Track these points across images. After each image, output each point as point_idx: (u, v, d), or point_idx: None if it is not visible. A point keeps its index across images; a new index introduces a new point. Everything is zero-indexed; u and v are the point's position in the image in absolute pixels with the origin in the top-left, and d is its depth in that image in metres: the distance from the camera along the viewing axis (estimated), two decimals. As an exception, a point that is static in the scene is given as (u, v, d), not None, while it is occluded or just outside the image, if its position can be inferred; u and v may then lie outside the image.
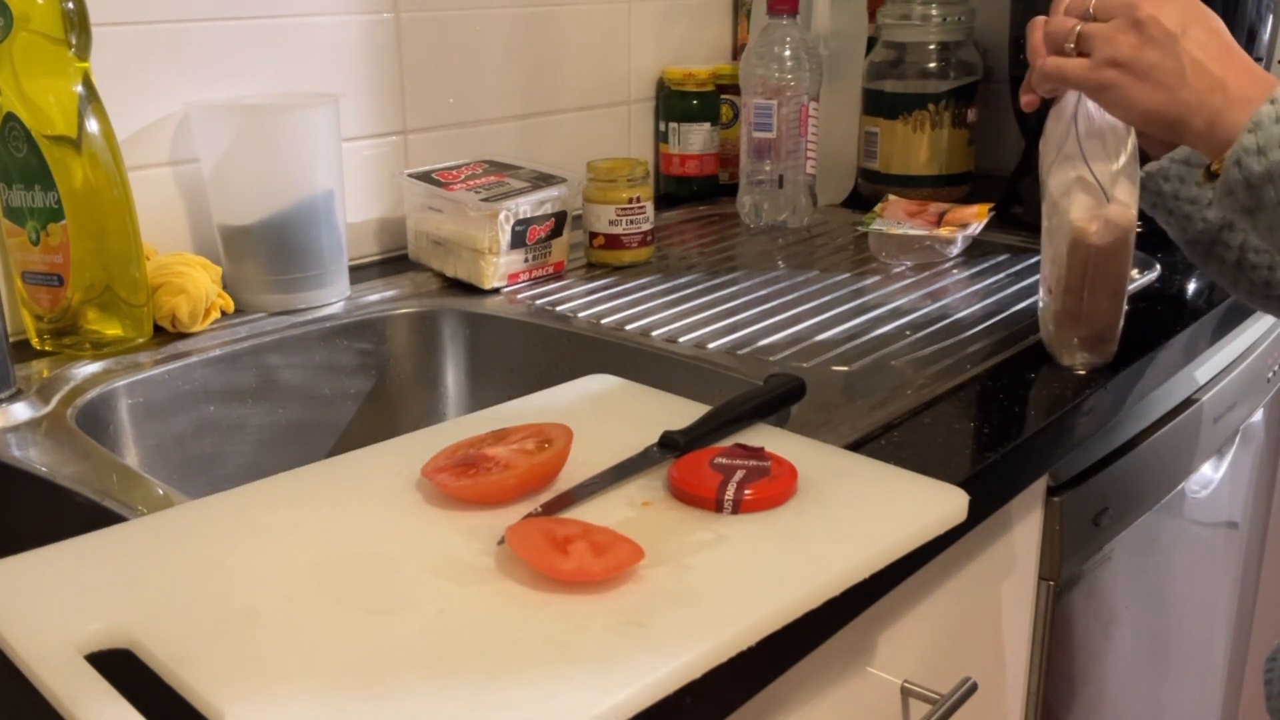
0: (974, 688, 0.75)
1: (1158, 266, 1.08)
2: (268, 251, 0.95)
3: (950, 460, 0.70)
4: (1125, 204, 0.77)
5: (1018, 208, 1.26)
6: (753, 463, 0.61)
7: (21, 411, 0.76)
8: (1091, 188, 0.76)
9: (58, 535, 0.56)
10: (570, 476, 0.62)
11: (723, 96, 1.39)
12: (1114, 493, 0.93)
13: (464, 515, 0.58)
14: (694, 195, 1.39)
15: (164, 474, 0.85)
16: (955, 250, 1.12)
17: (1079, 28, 0.72)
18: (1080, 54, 0.72)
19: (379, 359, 0.99)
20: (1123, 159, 0.77)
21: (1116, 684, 1.09)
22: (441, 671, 0.45)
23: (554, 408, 0.73)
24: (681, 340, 0.89)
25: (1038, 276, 1.05)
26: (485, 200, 1.00)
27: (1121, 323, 0.83)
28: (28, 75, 0.81)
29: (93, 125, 0.83)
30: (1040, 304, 0.85)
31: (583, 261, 1.12)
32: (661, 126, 1.39)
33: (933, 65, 1.31)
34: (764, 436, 0.68)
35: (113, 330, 0.87)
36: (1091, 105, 0.77)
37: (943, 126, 1.32)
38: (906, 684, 0.74)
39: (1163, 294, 1.03)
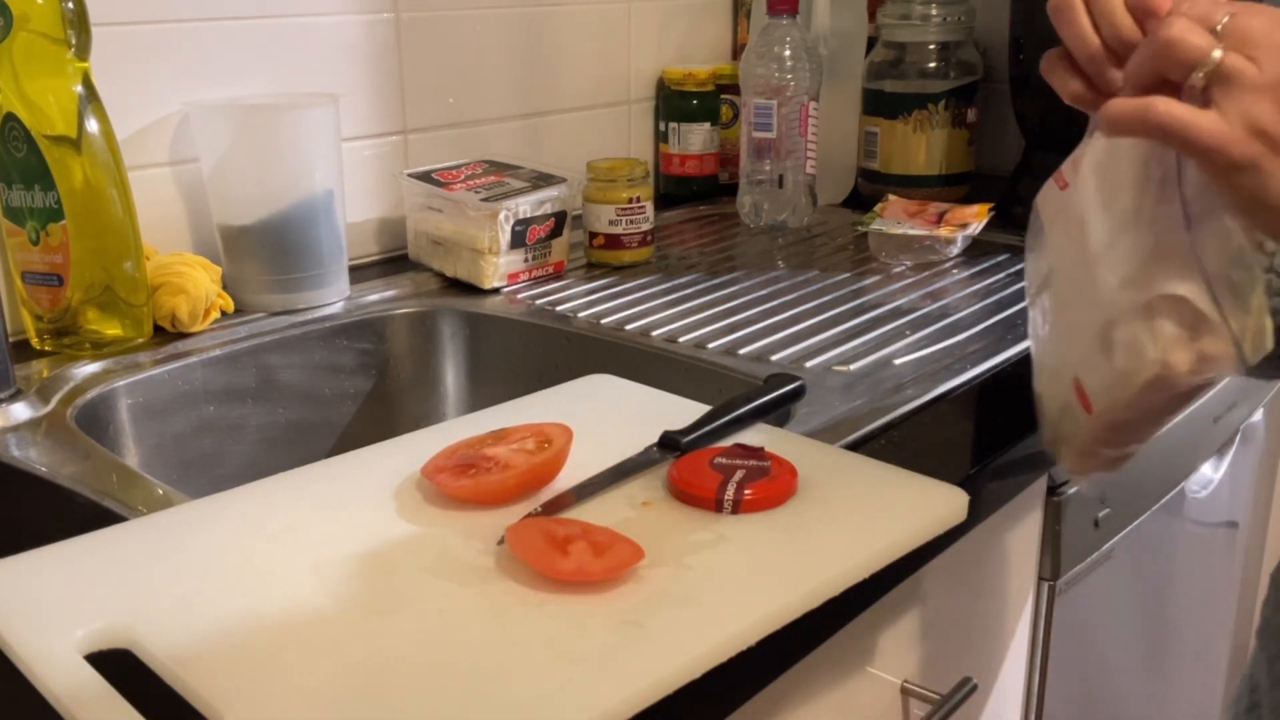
0: (974, 688, 0.75)
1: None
2: (267, 251, 0.95)
3: (950, 460, 0.70)
4: (1233, 330, 0.51)
5: (1018, 208, 1.26)
6: (752, 463, 0.61)
7: (21, 411, 0.76)
8: (1188, 309, 0.52)
9: (58, 535, 0.56)
10: (570, 476, 0.62)
11: (723, 96, 1.39)
12: (1114, 493, 0.93)
13: (464, 515, 0.58)
14: (694, 195, 1.39)
15: (164, 474, 0.85)
16: (955, 250, 1.12)
17: (1216, 54, 0.48)
18: (1205, 96, 0.48)
19: (379, 359, 0.99)
20: (1241, 263, 0.52)
21: (1116, 684, 1.09)
22: (441, 671, 0.45)
23: (554, 408, 0.73)
24: (681, 340, 0.89)
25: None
26: (485, 200, 1.00)
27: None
28: (27, 75, 0.81)
29: (93, 125, 0.83)
30: (1053, 404, 0.63)
31: (583, 261, 1.12)
32: (661, 126, 1.39)
33: (933, 65, 1.31)
34: (764, 436, 0.68)
35: (113, 330, 0.87)
36: (1193, 171, 0.52)
37: (943, 126, 1.32)
38: (906, 684, 0.74)
39: (1163, 294, 1.02)
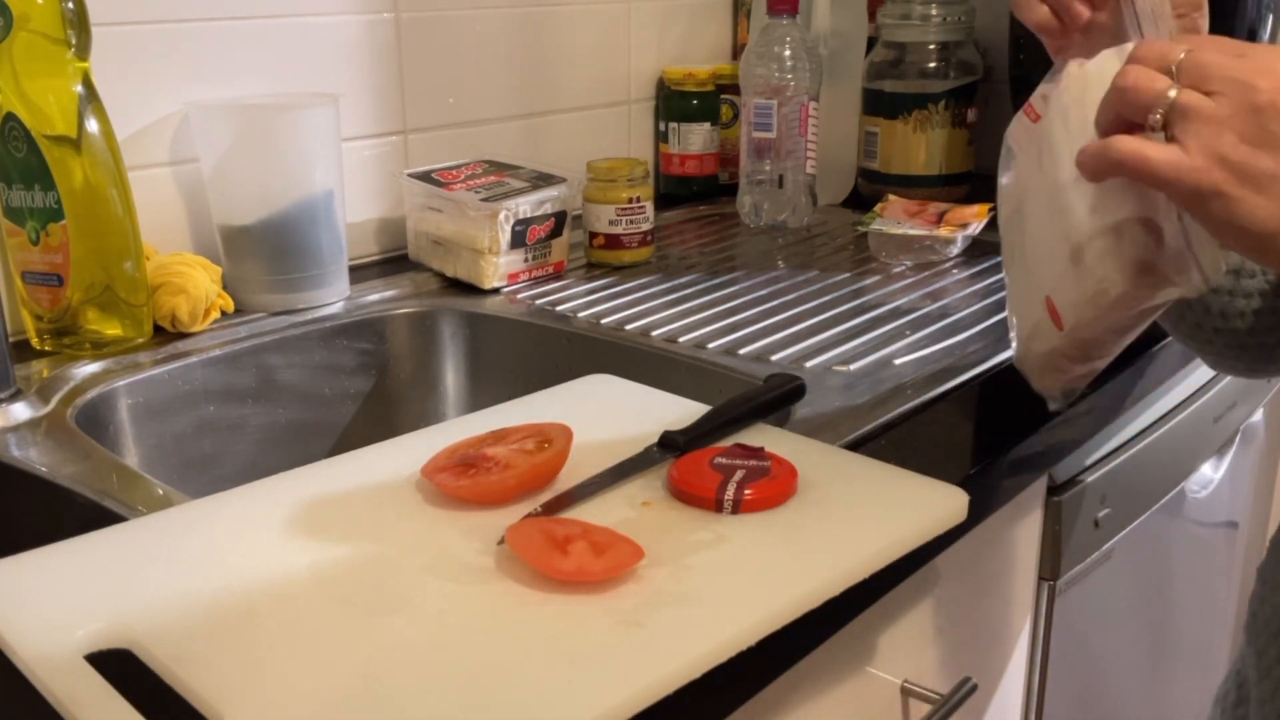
0: (974, 688, 0.75)
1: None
2: (268, 251, 0.95)
3: (950, 460, 0.70)
4: (1194, 252, 0.55)
5: (1018, 208, 1.25)
6: (752, 463, 0.61)
7: (21, 411, 0.76)
8: (1153, 232, 0.56)
9: (58, 535, 0.56)
10: (570, 476, 0.62)
11: (723, 96, 1.39)
12: (1114, 493, 0.93)
13: (464, 515, 0.58)
14: (694, 195, 1.39)
15: (164, 474, 0.85)
16: (955, 250, 1.12)
17: (1172, 94, 0.51)
18: (1168, 134, 0.51)
19: (379, 359, 0.99)
20: None
21: (1116, 684, 1.09)
22: (441, 671, 0.45)
23: (554, 408, 0.73)
24: (681, 340, 0.89)
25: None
26: (485, 200, 1.00)
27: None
28: (28, 75, 0.81)
29: (93, 125, 0.83)
30: (1025, 323, 0.68)
31: (583, 261, 1.12)
32: (661, 126, 1.39)
33: (933, 65, 1.31)
34: (764, 436, 0.68)
35: (113, 330, 0.87)
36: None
37: (943, 126, 1.32)
38: (906, 684, 0.74)
39: (1163, 294, 1.02)
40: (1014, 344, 0.70)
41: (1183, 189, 0.51)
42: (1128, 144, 0.51)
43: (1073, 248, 0.59)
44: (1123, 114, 0.52)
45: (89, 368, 0.83)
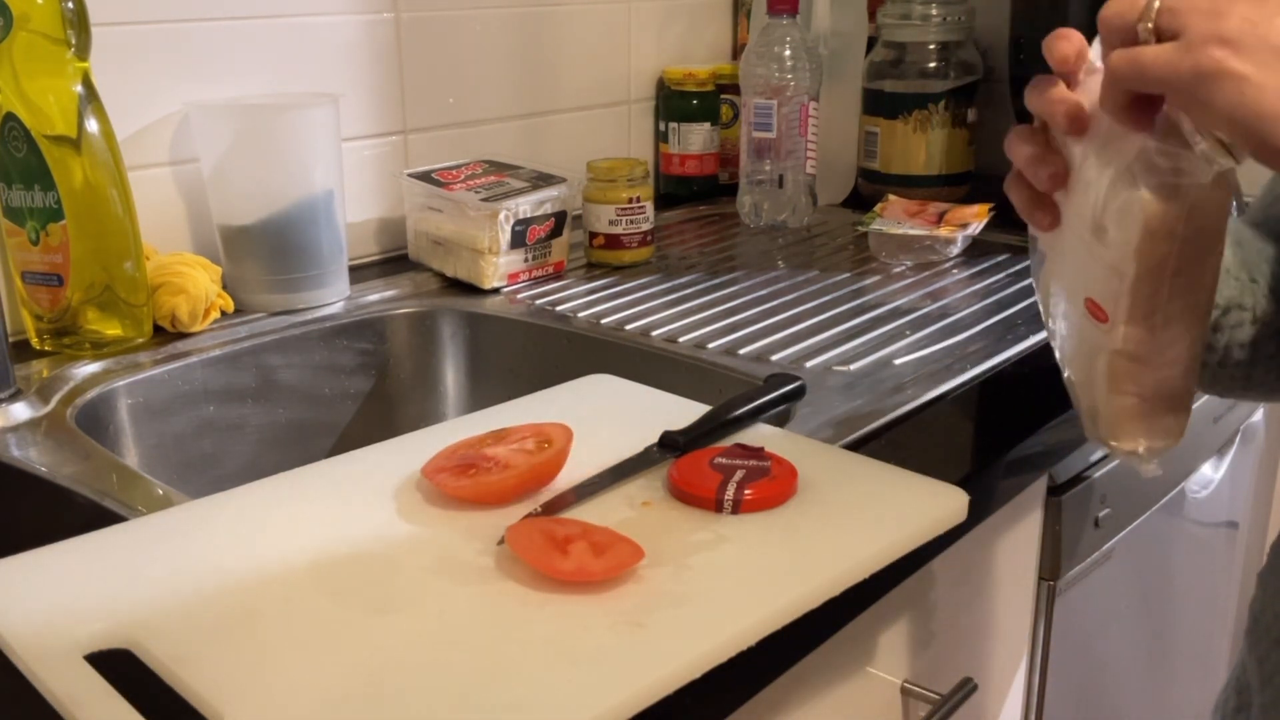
0: (974, 688, 0.75)
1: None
2: (267, 251, 0.95)
3: (950, 460, 0.70)
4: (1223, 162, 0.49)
5: (1018, 208, 1.25)
6: (752, 463, 0.61)
7: (21, 411, 0.76)
8: (1164, 147, 0.50)
9: (58, 535, 0.56)
10: (570, 476, 0.62)
11: (723, 96, 1.39)
12: (1114, 493, 0.93)
13: (464, 515, 0.58)
14: (694, 195, 1.39)
15: (164, 474, 0.85)
16: (955, 250, 1.12)
17: (1156, 2, 0.47)
18: (1163, 40, 0.48)
19: (379, 359, 0.99)
20: None
21: (1116, 684, 1.09)
22: (441, 671, 0.45)
23: (554, 408, 0.73)
24: (681, 340, 0.89)
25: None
26: (485, 200, 1.00)
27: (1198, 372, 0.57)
28: (27, 75, 0.81)
29: (92, 125, 0.83)
30: (1067, 344, 0.59)
31: (583, 261, 1.12)
32: (661, 126, 1.39)
33: (933, 65, 1.31)
34: (764, 436, 0.68)
35: (112, 330, 0.87)
36: None
37: (943, 126, 1.32)
38: (906, 684, 0.74)
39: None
40: (1080, 414, 0.60)
41: (1181, 76, 0.46)
42: (1118, 55, 0.48)
43: (1094, 223, 0.53)
44: (1117, 42, 0.49)
45: (89, 368, 0.83)
